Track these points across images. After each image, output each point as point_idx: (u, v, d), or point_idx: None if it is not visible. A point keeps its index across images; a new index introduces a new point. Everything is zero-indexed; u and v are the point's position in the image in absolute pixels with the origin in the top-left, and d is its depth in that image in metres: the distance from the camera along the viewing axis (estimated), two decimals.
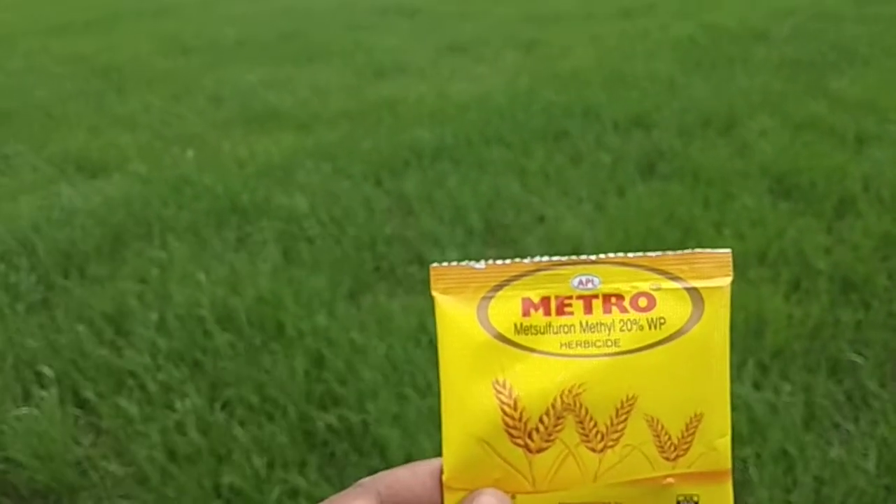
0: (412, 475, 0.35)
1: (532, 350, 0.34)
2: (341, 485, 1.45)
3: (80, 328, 1.95)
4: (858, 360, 1.74)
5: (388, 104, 3.94)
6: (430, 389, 1.65)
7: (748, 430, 1.54)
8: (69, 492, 1.51)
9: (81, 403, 1.74)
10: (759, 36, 4.91)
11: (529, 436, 0.34)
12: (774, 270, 2.12)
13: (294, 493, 1.44)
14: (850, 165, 2.72)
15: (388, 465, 1.32)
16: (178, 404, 1.63)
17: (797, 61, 4.22)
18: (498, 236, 2.45)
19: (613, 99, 3.68)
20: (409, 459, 1.45)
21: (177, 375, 1.74)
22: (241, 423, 1.61)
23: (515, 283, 0.35)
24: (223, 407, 1.67)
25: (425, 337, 1.86)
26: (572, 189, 2.71)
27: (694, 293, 0.34)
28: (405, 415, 1.58)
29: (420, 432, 1.52)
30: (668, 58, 4.51)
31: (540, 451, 0.34)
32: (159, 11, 7.74)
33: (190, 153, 3.40)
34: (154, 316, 1.99)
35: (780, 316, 1.88)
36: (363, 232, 2.44)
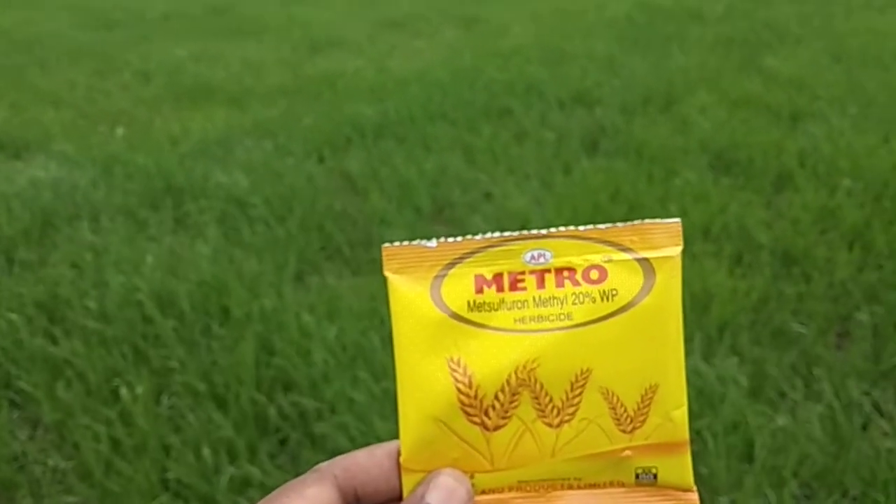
0: (369, 458, 0.34)
1: (486, 327, 0.34)
2: (295, 472, 1.41)
3: (13, 317, 1.84)
4: (802, 330, 1.78)
5: (326, 79, 3.85)
6: (384, 372, 1.62)
7: (698, 402, 1.56)
8: (6, 488, 1.42)
9: (17, 396, 1.64)
10: (694, 15, 4.99)
11: (486, 413, 0.33)
12: (718, 245, 2.16)
13: (245, 482, 1.40)
14: (786, 141, 2.79)
15: (343, 451, 1.28)
16: (122, 394, 1.56)
17: (731, 39, 4.30)
18: (446, 214, 2.43)
19: (555, 76, 3.68)
20: (364, 444, 1.43)
21: (118, 364, 1.66)
22: (189, 412, 1.55)
23: (468, 260, 0.34)
24: (169, 396, 1.60)
25: (376, 318, 1.82)
26: (519, 166, 2.70)
27: (645, 264, 0.34)
28: (359, 398, 1.54)
29: (375, 416, 1.48)
30: (607, 36, 4.54)
31: (497, 428, 0.33)
32: None
33: (119, 131, 3.25)
34: (91, 303, 1.89)
35: (724, 290, 1.91)
36: (308, 211, 2.38)
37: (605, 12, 5.24)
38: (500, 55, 4.14)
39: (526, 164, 2.71)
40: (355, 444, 1.42)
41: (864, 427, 1.51)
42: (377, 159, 2.79)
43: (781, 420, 1.54)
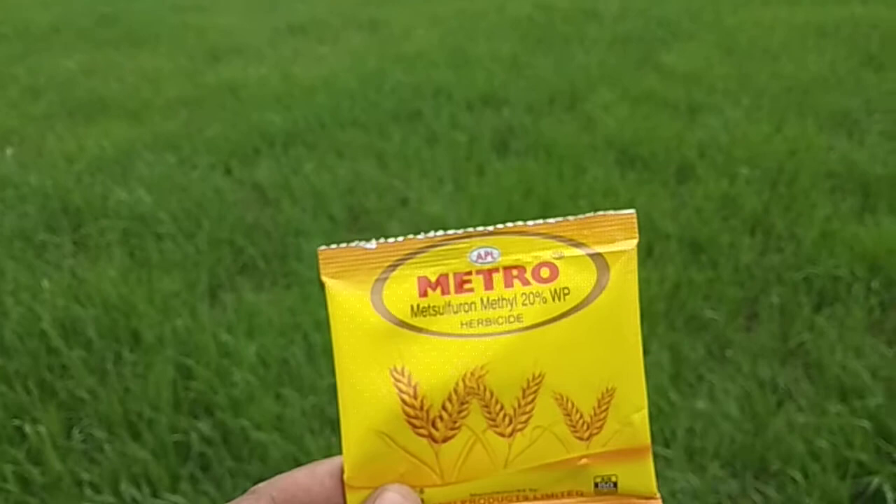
0: (310, 476, 0.33)
1: (430, 332, 0.32)
2: (221, 497, 1.36)
3: None
4: (714, 315, 1.85)
5: (229, 88, 3.75)
6: (311, 387, 1.59)
7: None
8: None
9: None
10: (591, 14, 5.11)
11: (433, 425, 0.32)
12: None
13: None
14: (685, 134, 2.89)
15: (271, 471, 1.24)
16: (28, 431, 1.46)
17: (628, 37, 4.43)
18: (362, 222, 2.40)
19: (461, 78, 3.70)
20: (293, 463, 1.39)
21: (23, 400, 1.56)
22: (104, 444, 1.47)
23: (410, 261, 0.32)
24: (81, 429, 1.52)
25: (298, 332, 1.78)
26: (432, 170, 2.70)
27: (598, 259, 0.32)
28: (285, 416, 1.50)
29: (304, 433, 1.45)
30: (509, 37, 4.60)
31: (445, 440, 0.32)
32: None
33: (9, 151, 3.07)
34: None
35: (639, 279, 1.96)
36: (218, 225, 2.31)
37: (505, 13, 5.31)
38: (406, 59, 4.14)
39: (439, 167, 2.72)
40: (285, 463, 1.39)
41: (779, 404, 1.57)
42: (288, 168, 2.73)
43: (701, 403, 1.59)
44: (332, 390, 1.58)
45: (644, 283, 1.95)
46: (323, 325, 1.77)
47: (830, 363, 1.64)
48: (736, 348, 1.75)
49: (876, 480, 1.36)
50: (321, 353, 1.68)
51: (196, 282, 2.02)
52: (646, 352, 1.73)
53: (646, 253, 2.14)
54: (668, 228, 2.23)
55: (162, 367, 1.61)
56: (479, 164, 2.73)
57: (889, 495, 1.33)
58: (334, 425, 1.48)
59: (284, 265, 2.13)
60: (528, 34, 4.63)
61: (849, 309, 1.82)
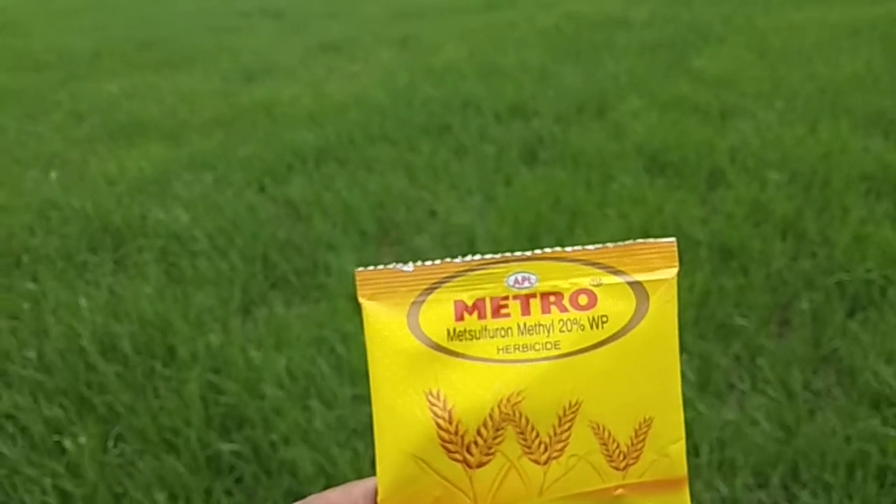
0: (344, 497, 0.33)
1: (467, 357, 0.32)
2: None
3: None
4: (744, 322, 1.83)
5: (263, 108, 3.83)
6: (336, 400, 1.61)
7: None
8: None
9: None
10: (620, 22, 5.10)
11: (468, 450, 0.31)
12: None
13: None
14: (716, 139, 2.87)
15: (301, 484, 1.26)
16: (67, 445, 1.51)
17: (657, 44, 4.41)
18: (392, 235, 2.43)
19: (490, 90, 3.72)
20: (321, 475, 1.41)
21: (62, 414, 1.61)
22: (138, 458, 1.51)
23: (446, 284, 0.32)
24: (116, 443, 1.56)
25: (325, 345, 1.81)
26: (460, 182, 2.72)
27: (637, 287, 0.32)
28: (313, 429, 1.53)
29: (332, 445, 1.47)
30: (537, 47, 4.61)
31: (480, 465, 0.32)
32: (2, 26, 7.20)
33: (53, 174, 3.17)
34: (31, 353, 1.84)
35: None
36: (251, 242, 2.36)
37: (534, 24, 5.32)
38: (435, 73, 4.18)
39: (467, 179, 2.74)
40: (314, 476, 1.41)
41: (811, 412, 1.55)
42: (319, 184, 2.78)
43: (730, 413, 1.57)
44: (356, 401, 1.60)
45: None
46: (349, 338, 1.80)
47: (864, 370, 1.61)
48: (767, 356, 1.73)
49: None
50: (346, 365, 1.71)
51: (229, 298, 2.07)
52: None
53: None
54: (698, 235, 2.21)
55: (194, 382, 1.65)
56: (507, 175, 2.75)
57: None
58: (359, 436, 1.51)
59: (315, 279, 2.16)
60: (556, 44, 4.64)
61: (882, 314, 1.78)
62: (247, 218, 2.53)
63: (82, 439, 1.51)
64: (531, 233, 2.27)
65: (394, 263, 0.33)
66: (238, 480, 1.46)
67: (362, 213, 2.51)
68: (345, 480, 1.37)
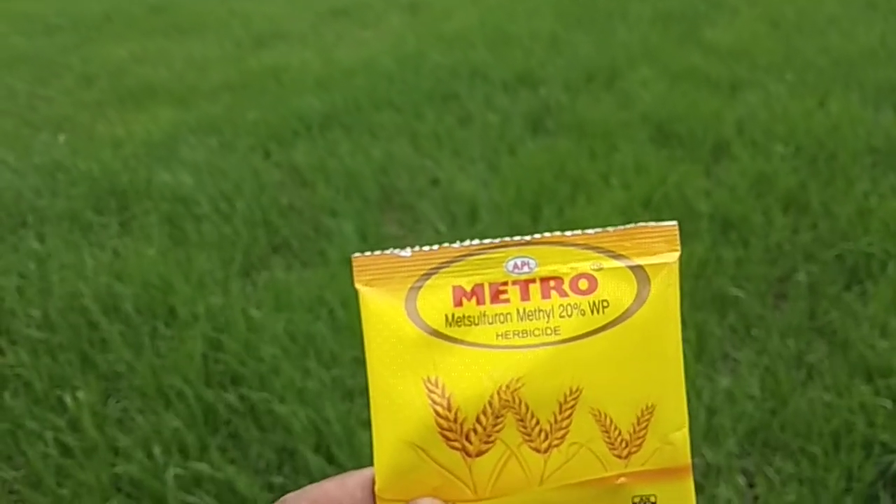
0: (340, 487, 0.32)
1: (465, 343, 0.31)
2: (247, 465, 1.42)
3: None
4: (741, 293, 1.84)
5: (271, 73, 3.82)
6: (334, 361, 1.64)
7: None
8: None
9: None
10: None
11: (467, 438, 0.31)
12: (659, 215, 2.20)
13: (196, 477, 1.40)
14: (724, 111, 2.84)
15: (294, 440, 1.28)
16: (68, 400, 1.55)
17: (671, 14, 4.35)
18: (395, 202, 2.44)
19: (499, 58, 3.70)
20: (313, 432, 1.44)
21: (65, 371, 1.65)
22: (138, 413, 1.54)
23: (444, 270, 0.32)
24: (118, 399, 1.60)
25: (325, 308, 1.84)
26: (464, 150, 2.71)
27: (639, 271, 0.32)
28: (309, 388, 1.55)
29: (325, 403, 1.50)
30: (549, 15, 4.56)
31: (479, 454, 0.31)
32: None
33: (62, 137, 3.20)
34: (35, 311, 1.87)
35: None
36: (254, 206, 2.38)
37: None
38: (445, 40, 4.15)
39: (471, 148, 2.73)
40: (305, 432, 1.44)
41: (803, 384, 1.56)
42: (324, 150, 2.78)
43: (722, 381, 1.58)
44: (355, 362, 1.63)
45: None
46: (349, 302, 1.82)
47: (856, 341, 1.62)
48: (762, 327, 1.73)
49: None
50: (346, 328, 1.73)
51: (231, 261, 2.09)
52: None
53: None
54: (701, 206, 2.21)
55: (194, 341, 1.68)
56: (511, 144, 2.74)
57: None
58: (354, 395, 1.53)
59: (316, 244, 2.18)
60: (568, 12, 4.58)
61: (879, 287, 1.78)
62: (251, 182, 2.55)
63: (82, 395, 1.54)
64: (533, 201, 2.27)
65: (391, 249, 0.33)
66: (233, 435, 1.49)
67: (365, 179, 2.52)
68: (336, 438, 1.40)
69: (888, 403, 1.43)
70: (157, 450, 1.43)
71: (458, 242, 0.32)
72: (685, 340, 1.69)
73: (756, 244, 2.01)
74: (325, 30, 4.79)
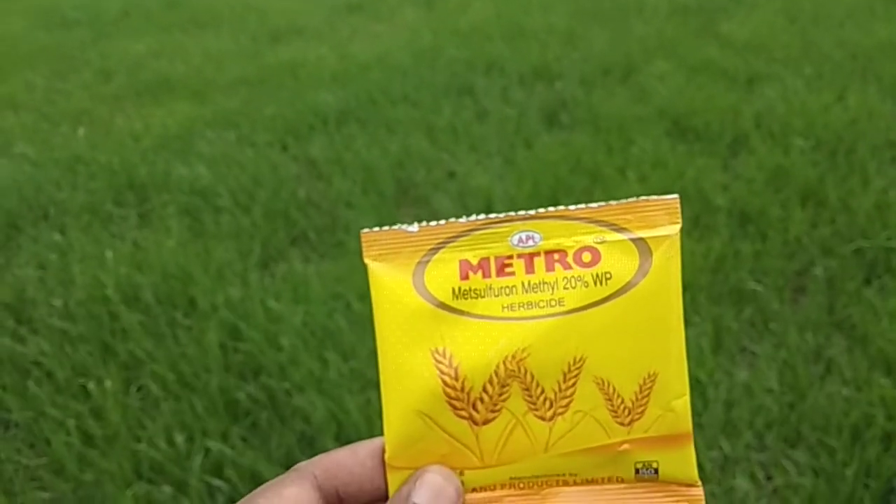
0: (352, 456, 0.33)
1: (472, 315, 0.32)
2: (267, 452, 1.44)
3: None
4: (759, 287, 1.83)
5: (287, 68, 3.83)
6: (352, 352, 1.65)
7: None
8: None
9: None
10: None
11: (474, 407, 0.32)
12: None
13: (218, 463, 1.42)
14: (742, 104, 2.83)
15: (313, 430, 1.30)
16: (91, 389, 1.57)
17: (687, 7, 4.33)
18: (410, 195, 2.45)
19: (515, 52, 3.70)
20: (333, 422, 1.45)
21: (87, 360, 1.67)
22: (160, 402, 1.56)
23: (451, 244, 0.33)
24: (138, 388, 1.62)
25: (342, 301, 1.85)
26: (480, 144, 2.72)
27: (641, 244, 0.32)
28: (328, 378, 1.57)
29: (344, 394, 1.51)
30: (565, 9, 4.55)
31: (486, 422, 0.32)
32: None
33: (81, 131, 3.23)
34: (57, 301, 1.90)
35: (683, 252, 1.95)
36: (273, 199, 2.39)
37: None
38: (461, 34, 4.15)
39: (487, 142, 2.74)
40: (325, 422, 1.45)
41: (822, 378, 1.56)
42: (340, 145, 2.80)
43: (740, 374, 1.58)
44: (373, 355, 1.64)
45: (688, 255, 1.94)
46: (366, 295, 1.83)
47: (876, 336, 1.61)
48: (780, 321, 1.73)
49: None
50: (363, 320, 1.74)
51: (249, 252, 2.11)
52: (687, 323, 1.73)
53: (692, 224, 2.12)
54: (718, 200, 2.20)
55: (214, 331, 1.70)
56: (526, 138, 2.74)
57: None
58: (374, 386, 1.54)
59: (333, 237, 2.19)
60: (584, 6, 4.57)
61: None
62: (268, 176, 2.57)
63: (108, 383, 1.56)
64: (550, 195, 2.27)
65: (399, 224, 0.33)
66: (254, 425, 1.51)
67: (382, 173, 2.53)
68: (356, 427, 1.42)
69: None
70: (178, 437, 1.45)
71: (464, 218, 0.33)
72: (703, 333, 1.69)
73: (774, 238, 2.01)
74: (341, 24, 4.80)
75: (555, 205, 1.87)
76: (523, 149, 2.67)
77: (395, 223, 2.01)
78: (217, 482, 1.36)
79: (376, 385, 1.55)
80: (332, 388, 1.53)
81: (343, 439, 1.43)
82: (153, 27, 5.08)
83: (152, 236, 2.23)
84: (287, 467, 1.35)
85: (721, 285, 1.86)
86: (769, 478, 1.37)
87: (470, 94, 3.20)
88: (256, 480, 1.35)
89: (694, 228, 2.10)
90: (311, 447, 1.44)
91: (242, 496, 1.32)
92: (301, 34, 4.63)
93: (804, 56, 3.32)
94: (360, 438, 1.27)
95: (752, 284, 1.85)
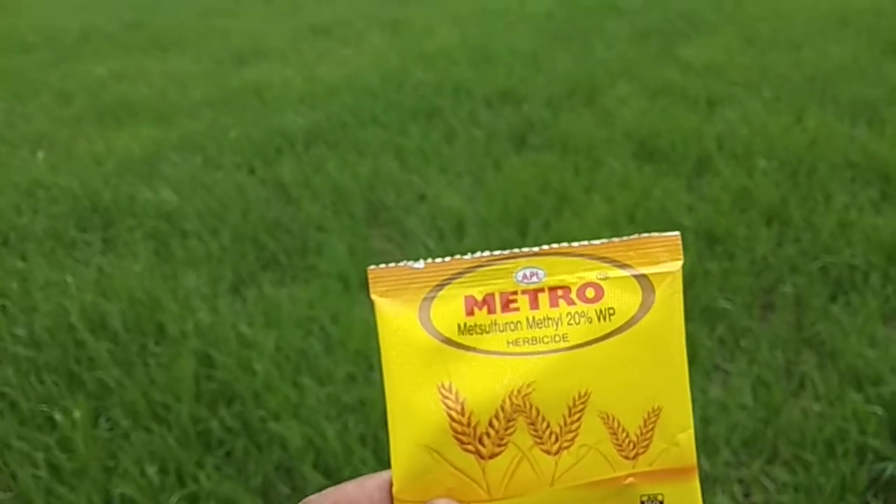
0: (359, 489, 0.33)
1: (477, 350, 0.33)
2: (244, 483, 1.41)
3: None
4: (728, 305, 1.86)
5: (253, 90, 3.81)
6: (328, 377, 1.63)
7: None
8: None
9: None
10: (611, 8, 5.10)
11: (480, 441, 0.32)
12: (644, 229, 2.23)
13: (194, 497, 1.38)
14: (704, 126, 2.89)
15: (290, 458, 1.27)
16: (58, 420, 1.52)
17: (648, 31, 4.42)
18: (381, 218, 2.44)
19: (481, 75, 3.73)
20: (311, 449, 1.43)
21: (53, 390, 1.62)
22: (130, 433, 1.52)
23: (457, 280, 0.33)
24: (108, 418, 1.57)
25: (316, 324, 1.83)
26: (450, 166, 2.73)
27: (643, 280, 0.33)
28: (304, 404, 1.54)
29: (322, 420, 1.49)
30: (529, 33, 4.61)
31: (492, 456, 0.32)
32: None
33: (40, 155, 3.16)
34: (20, 330, 1.84)
35: None
36: (241, 223, 2.36)
37: (525, 9, 5.32)
38: (427, 57, 4.17)
39: (457, 163, 2.75)
40: (302, 449, 1.43)
41: (795, 394, 1.58)
42: (309, 167, 2.78)
43: (714, 391, 1.60)
44: (350, 380, 1.62)
45: None
46: (340, 318, 1.82)
47: (845, 351, 1.64)
48: (750, 338, 1.76)
49: (891, 467, 1.36)
50: (338, 344, 1.72)
51: (219, 277, 2.07)
52: None
53: None
54: (684, 221, 2.24)
55: (185, 358, 1.66)
56: (496, 159, 2.76)
57: None
58: (351, 411, 1.52)
59: (304, 260, 2.17)
60: (547, 29, 4.64)
61: (864, 298, 1.81)
62: (236, 199, 2.54)
63: (76, 413, 1.52)
64: (519, 216, 2.28)
65: (404, 261, 0.34)
66: (228, 454, 1.48)
67: (352, 195, 2.52)
68: (334, 454, 1.39)
69: (879, 410, 1.46)
70: (150, 469, 1.41)
71: (469, 255, 0.34)
72: None
73: (741, 257, 2.04)
74: (306, 47, 4.79)
75: (524, 226, 1.87)
76: (492, 170, 2.68)
77: (366, 246, 1.98)
78: None
79: (353, 409, 1.53)
80: (309, 413, 1.51)
81: (321, 466, 1.41)
82: (114, 49, 5.02)
83: (118, 262, 2.19)
84: (265, 496, 1.32)
85: (692, 304, 1.88)
86: (747, 495, 1.38)
87: (438, 117, 3.22)
88: None
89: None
90: (289, 475, 1.41)
91: None
92: (265, 56, 4.61)
93: (762, 78, 3.41)
94: (338, 465, 1.25)
95: (722, 303, 1.87)
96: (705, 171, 2.58)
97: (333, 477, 1.36)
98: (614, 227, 2.19)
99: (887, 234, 2.04)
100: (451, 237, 2.24)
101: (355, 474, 1.36)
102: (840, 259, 1.97)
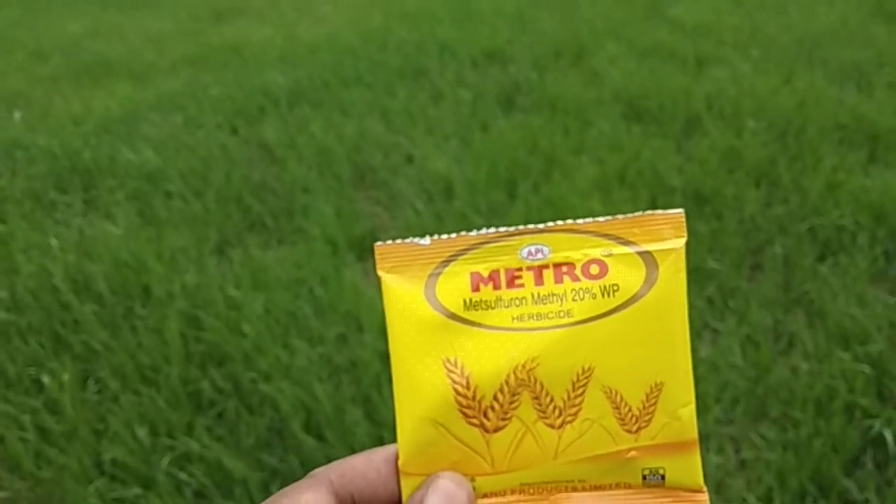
0: (366, 462, 0.34)
1: (483, 326, 0.33)
2: (235, 444, 1.40)
3: None
4: (717, 265, 1.86)
5: (232, 48, 3.73)
6: (319, 338, 1.61)
7: None
8: None
9: None
10: None
11: (485, 415, 0.33)
12: (633, 191, 2.22)
13: (185, 457, 1.37)
14: (693, 87, 2.87)
15: (282, 419, 1.26)
16: (46, 382, 1.50)
17: None
18: (368, 180, 2.41)
19: (466, 35, 3.67)
20: (302, 409, 1.42)
21: (38, 353, 1.60)
22: (119, 395, 1.50)
23: (462, 257, 0.34)
24: (96, 381, 1.55)
25: (305, 287, 1.81)
26: (437, 127, 2.69)
27: (647, 256, 0.33)
28: (295, 365, 1.53)
29: (313, 381, 1.48)
30: None
31: (497, 430, 0.33)
32: None
33: (17, 114, 3.08)
34: (2, 293, 1.80)
35: None
36: (226, 184, 2.32)
37: None
38: (409, 16, 4.10)
39: (444, 125, 2.71)
40: (293, 410, 1.42)
41: (784, 353, 1.59)
42: (293, 127, 2.73)
43: (704, 351, 1.61)
44: (340, 341, 1.61)
45: None
46: (329, 281, 1.80)
47: (833, 311, 1.66)
48: (739, 298, 1.76)
49: (877, 424, 1.38)
50: (327, 306, 1.71)
51: (205, 239, 2.04)
52: None
53: (650, 205, 2.14)
54: (673, 181, 2.23)
55: (172, 320, 1.64)
56: (483, 121, 2.73)
57: (889, 438, 1.35)
58: (341, 373, 1.51)
59: (291, 222, 2.14)
60: None
61: (852, 258, 1.82)
62: (220, 159, 2.49)
63: (65, 376, 1.50)
64: (508, 178, 2.26)
65: (411, 238, 0.34)
66: (219, 415, 1.47)
67: (338, 157, 2.48)
68: (325, 415, 1.39)
69: (867, 369, 1.47)
70: (140, 431, 1.40)
71: (475, 231, 0.34)
72: None
73: (730, 217, 2.04)
74: (284, 5, 4.69)
75: (513, 188, 1.85)
76: (480, 131, 2.65)
77: (354, 208, 1.95)
78: (184, 477, 1.32)
79: (346, 371, 1.52)
80: (300, 374, 1.49)
81: (313, 427, 1.40)
82: (87, 6, 4.89)
83: (100, 223, 2.15)
84: (257, 458, 1.31)
85: None
86: (737, 451, 1.39)
87: (424, 77, 3.17)
88: (226, 474, 1.31)
89: (651, 209, 2.11)
90: (281, 436, 1.41)
91: (210, 489, 1.27)
92: (243, 14, 4.51)
93: (751, 40, 3.39)
94: (329, 426, 1.24)
95: (711, 263, 1.88)
96: (694, 132, 2.57)
97: (325, 439, 1.35)
98: (604, 189, 2.18)
99: (875, 195, 2.04)
100: (439, 199, 2.22)
101: (347, 435, 1.36)
102: (828, 220, 1.97)
